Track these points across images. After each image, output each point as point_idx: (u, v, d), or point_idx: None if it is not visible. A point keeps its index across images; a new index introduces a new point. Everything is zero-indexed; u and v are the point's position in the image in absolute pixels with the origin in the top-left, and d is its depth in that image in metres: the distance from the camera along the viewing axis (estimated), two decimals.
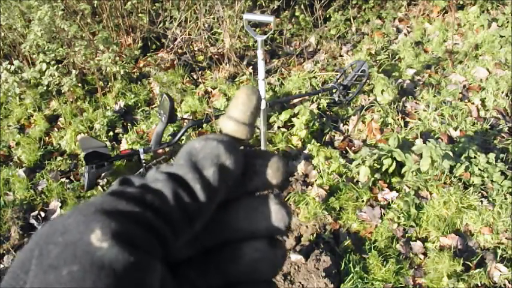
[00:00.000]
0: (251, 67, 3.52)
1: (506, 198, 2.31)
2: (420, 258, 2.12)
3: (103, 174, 2.53)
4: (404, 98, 3.14)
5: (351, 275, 1.99)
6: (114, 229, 0.20)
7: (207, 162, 0.23)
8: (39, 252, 0.20)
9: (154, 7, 3.87)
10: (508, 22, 3.83)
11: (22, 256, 0.21)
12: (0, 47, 3.46)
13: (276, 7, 3.91)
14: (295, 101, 3.08)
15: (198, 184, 0.23)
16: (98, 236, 0.19)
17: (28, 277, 0.19)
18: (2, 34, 3.41)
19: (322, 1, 3.80)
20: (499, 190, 2.36)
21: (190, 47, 3.73)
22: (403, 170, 2.47)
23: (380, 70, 3.38)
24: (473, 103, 3.09)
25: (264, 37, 2.05)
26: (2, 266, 2.21)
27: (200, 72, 3.46)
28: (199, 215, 0.23)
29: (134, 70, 3.54)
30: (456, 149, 2.56)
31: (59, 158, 2.79)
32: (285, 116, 2.86)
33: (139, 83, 3.41)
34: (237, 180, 0.25)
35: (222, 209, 0.25)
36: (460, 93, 3.18)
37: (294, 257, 2.02)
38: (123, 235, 0.20)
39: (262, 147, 2.32)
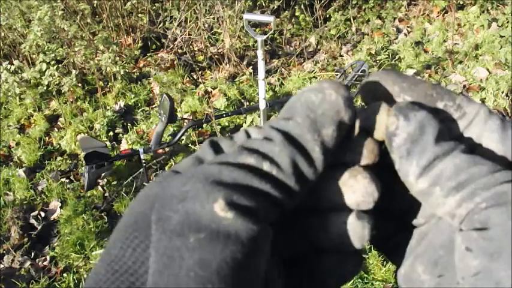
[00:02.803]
0: (251, 67, 3.52)
1: None
2: None
3: (103, 174, 2.53)
4: None
5: None
6: (236, 200, 0.20)
7: (327, 119, 0.22)
8: (157, 217, 0.20)
9: (154, 7, 3.87)
10: (508, 22, 3.83)
11: (133, 217, 0.21)
12: (0, 47, 3.46)
13: (276, 7, 3.91)
14: None
15: (317, 147, 0.22)
16: (221, 206, 0.20)
17: (150, 241, 0.19)
18: (2, 34, 3.41)
19: (322, 1, 3.80)
20: None
21: (190, 47, 3.73)
22: None
23: (380, 70, 3.38)
24: None
25: (264, 37, 2.05)
26: (2, 266, 2.21)
27: (200, 72, 3.46)
28: (312, 178, 0.23)
29: (134, 70, 3.55)
30: None
31: (59, 158, 2.79)
32: None
33: (139, 83, 3.41)
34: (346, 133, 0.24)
35: None
36: (460, 93, 3.18)
37: None
38: (245, 206, 0.20)
39: None
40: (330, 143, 0.23)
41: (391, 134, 0.23)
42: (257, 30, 3.96)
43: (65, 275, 2.15)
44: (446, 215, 0.22)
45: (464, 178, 0.21)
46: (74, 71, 3.10)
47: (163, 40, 3.75)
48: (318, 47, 3.83)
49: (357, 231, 0.24)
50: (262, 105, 2.36)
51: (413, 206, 0.26)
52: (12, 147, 2.95)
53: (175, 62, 3.55)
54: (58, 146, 2.93)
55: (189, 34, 3.68)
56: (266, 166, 0.21)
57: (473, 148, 0.24)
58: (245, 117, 2.87)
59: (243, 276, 0.19)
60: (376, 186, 0.24)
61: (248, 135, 0.25)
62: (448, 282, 0.23)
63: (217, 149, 0.24)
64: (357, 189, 0.24)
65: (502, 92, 3.11)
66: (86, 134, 2.87)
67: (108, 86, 3.37)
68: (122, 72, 3.28)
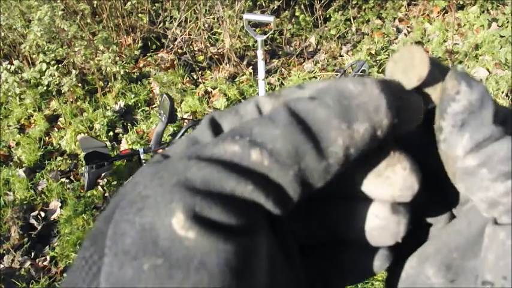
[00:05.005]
0: (251, 67, 3.52)
1: None
2: None
3: (103, 174, 2.53)
4: None
5: None
6: (201, 212, 0.15)
7: (362, 114, 0.18)
8: (113, 231, 0.16)
9: (154, 7, 3.87)
10: (508, 22, 3.83)
11: (98, 224, 0.17)
12: (0, 47, 3.46)
13: (276, 7, 3.91)
14: None
15: (341, 139, 0.17)
16: (180, 221, 0.15)
17: (102, 262, 0.16)
18: (2, 34, 3.41)
19: (322, 1, 3.80)
20: None
21: (190, 47, 3.73)
22: None
23: (380, 70, 3.38)
24: None
25: (264, 37, 2.05)
26: (2, 266, 2.21)
27: (200, 72, 3.46)
28: (319, 180, 0.17)
29: (134, 70, 3.55)
30: None
31: (59, 158, 2.79)
32: None
33: (139, 83, 3.41)
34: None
35: None
36: None
37: None
38: (213, 219, 0.15)
39: None
40: (358, 143, 0.18)
41: (450, 98, 0.20)
42: (257, 30, 3.96)
43: (65, 275, 2.15)
44: (485, 201, 0.19)
45: None
46: (74, 71, 3.10)
47: (163, 40, 3.75)
48: (318, 47, 3.83)
49: (391, 227, 0.20)
50: None
51: (425, 204, 0.23)
52: (12, 147, 2.95)
53: (175, 62, 3.55)
54: (58, 146, 2.93)
55: (189, 34, 3.68)
56: (255, 155, 0.16)
57: None
58: None
59: None
60: (416, 178, 0.20)
61: (259, 109, 0.20)
62: None
63: (217, 128, 0.20)
64: (394, 181, 0.20)
65: (502, 92, 3.11)
66: (86, 134, 2.87)
67: (108, 86, 3.37)
68: (122, 72, 3.28)
